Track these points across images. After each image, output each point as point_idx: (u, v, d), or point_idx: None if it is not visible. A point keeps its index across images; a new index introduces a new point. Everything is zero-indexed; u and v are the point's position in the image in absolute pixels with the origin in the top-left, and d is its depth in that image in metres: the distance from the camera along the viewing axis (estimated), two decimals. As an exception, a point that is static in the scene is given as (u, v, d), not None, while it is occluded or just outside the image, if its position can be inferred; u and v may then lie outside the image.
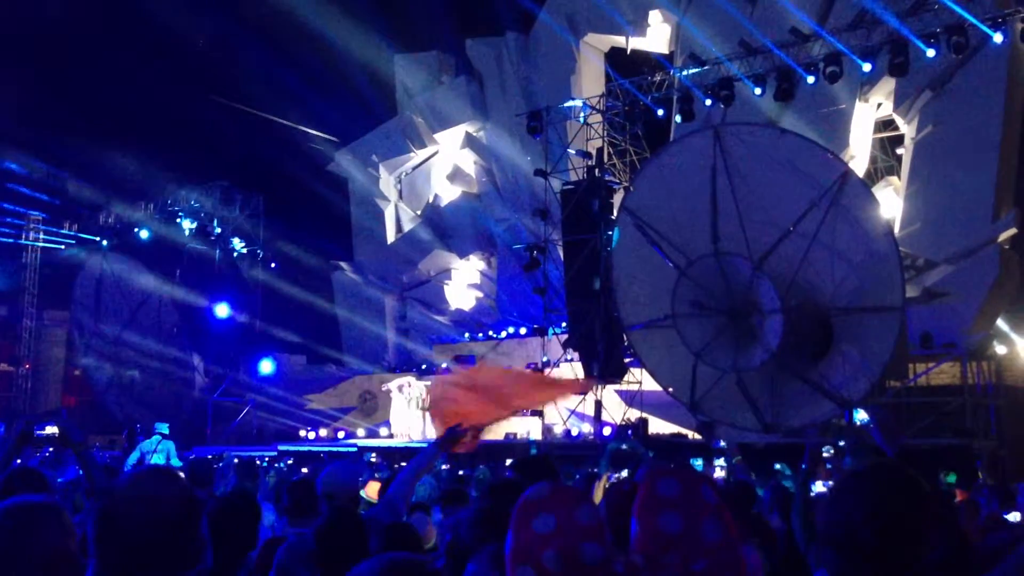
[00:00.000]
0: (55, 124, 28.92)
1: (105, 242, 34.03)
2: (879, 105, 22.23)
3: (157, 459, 11.92)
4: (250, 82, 29.89)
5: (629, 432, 18.80)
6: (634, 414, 19.73)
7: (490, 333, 27.83)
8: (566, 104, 24.04)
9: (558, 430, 21.20)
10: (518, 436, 21.07)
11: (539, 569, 1.60)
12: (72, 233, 34.31)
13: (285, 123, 31.40)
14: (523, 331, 26.37)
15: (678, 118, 22.32)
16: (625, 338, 17.75)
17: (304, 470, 13.16)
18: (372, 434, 25.32)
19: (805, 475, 4.74)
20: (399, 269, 31.16)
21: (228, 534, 3.55)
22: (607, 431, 19.43)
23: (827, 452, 14.43)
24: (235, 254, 33.43)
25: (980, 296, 18.85)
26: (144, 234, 33.27)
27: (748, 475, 11.42)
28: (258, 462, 16.25)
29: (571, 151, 23.34)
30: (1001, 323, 19.34)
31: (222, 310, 31.37)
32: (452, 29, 29.73)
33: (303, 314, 30.90)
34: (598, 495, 4.71)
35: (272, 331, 31.14)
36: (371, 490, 7.66)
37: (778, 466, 12.89)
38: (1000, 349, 18.79)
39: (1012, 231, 19.48)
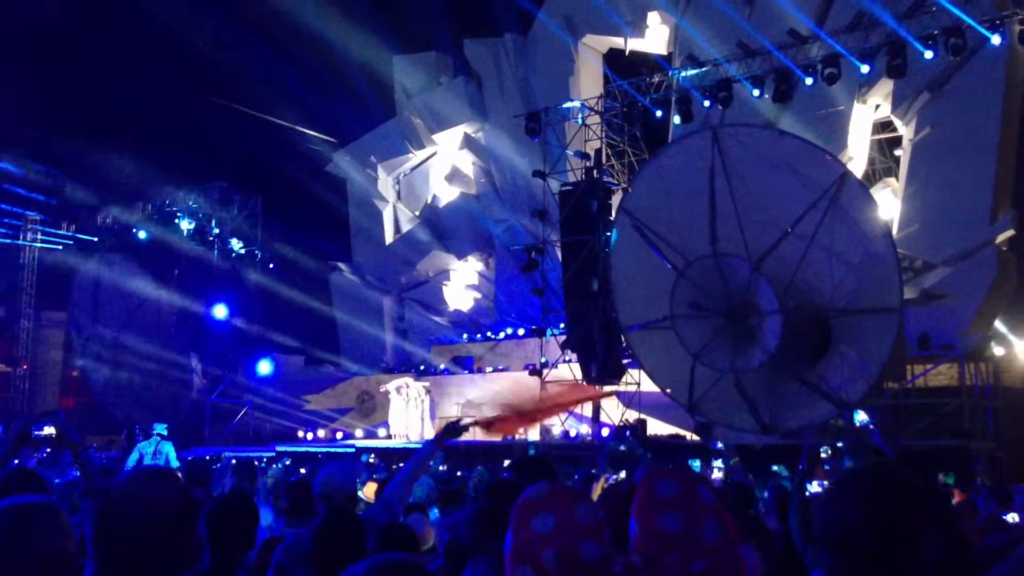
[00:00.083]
0: (53, 124, 28.90)
1: (103, 243, 34.00)
2: (877, 107, 22.25)
3: (157, 461, 11.90)
4: (249, 83, 29.91)
5: (627, 433, 18.81)
6: (632, 415, 19.73)
7: (488, 334, 27.83)
8: (564, 105, 24.04)
9: (556, 431, 21.20)
10: (516, 437, 21.07)
11: (538, 569, 1.60)
12: (70, 234, 34.29)
13: (283, 124, 31.42)
14: (521, 332, 26.37)
15: (676, 119, 22.35)
16: (623, 339, 17.75)
17: (302, 471, 13.15)
18: (370, 435, 25.33)
19: (802, 476, 4.74)
20: (397, 270, 31.14)
21: (226, 535, 3.55)
22: (605, 432, 19.43)
23: (825, 453, 14.46)
24: (233, 255, 33.42)
25: (978, 298, 18.86)
26: (142, 235, 33.27)
27: (746, 476, 11.41)
28: (256, 463, 16.24)
29: (569, 152, 23.33)
30: (999, 324, 19.35)
31: (220, 311, 31.35)
32: (450, 30, 29.78)
33: (301, 315, 30.89)
34: (596, 496, 4.70)
35: (270, 332, 31.13)
36: (369, 491, 7.67)
37: (775, 467, 12.91)
38: (998, 350, 18.81)
39: (1010, 232, 19.49)
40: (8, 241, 33.06)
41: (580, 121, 23.35)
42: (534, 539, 1.63)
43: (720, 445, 16.43)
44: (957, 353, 17.56)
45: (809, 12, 21.18)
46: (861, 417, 15.45)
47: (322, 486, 4.35)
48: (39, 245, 33.84)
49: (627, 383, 20.31)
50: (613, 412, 20.23)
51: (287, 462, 19.34)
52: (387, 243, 31.56)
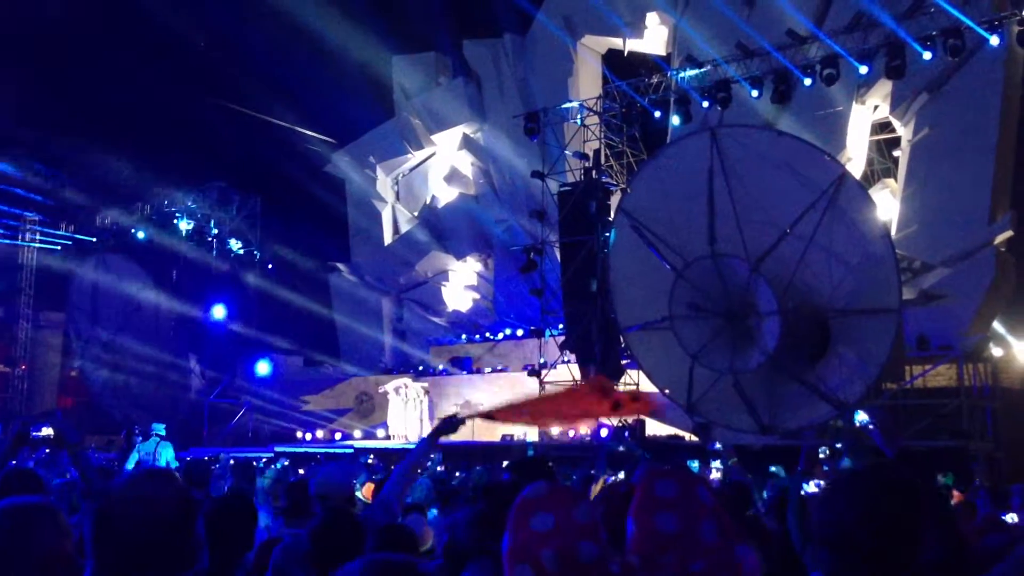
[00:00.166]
0: (51, 125, 28.88)
1: (101, 244, 33.98)
2: (876, 107, 22.27)
3: (158, 462, 11.89)
4: (247, 83, 29.88)
5: (626, 434, 18.80)
6: (631, 416, 19.72)
7: (487, 335, 27.83)
8: (563, 106, 24.04)
9: (555, 431, 21.19)
10: (515, 438, 21.07)
11: (537, 568, 1.60)
12: (68, 235, 34.27)
13: (282, 124, 31.39)
14: (520, 333, 26.38)
15: (675, 120, 22.35)
16: (622, 340, 17.76)
17: (301, 471, 13.15)
18: (369, 435, 25.32)
19: (800, 476, 4.74)
20: (396, 270, 31.14)
21: (224, 535, 3.55)
22: (604, 432, 19.43)
23: (823, 454, 14.46)
24: (232, 255, 33.40)
25: (976, 298, 18.88)
26: (140, 236, 33.24)
27: (744, 476, 11.41)
28: (255, 464, 16.23)
29: (568, 153, 23.33)
30: (997, 325, 19.38)
31: (218, 312, 31.34)
32: (449, 30, 29.77)
33: (299, 315, 30.88)
34: (594, 496, 4.70)
35: (268, 332, 31.12)
36: (368, 492, 7.66)
37: (773, 468, 12.91)
38: (996, 351, 18.83)
39: (1008, 233, 19.51)
40: (7, 242, 33.04)
41: (579, 122, 23.35)
42: (533, 538, 1.63)
43: (718, 446, 16.44)
44: (956, 354, 17.56)
45: (808, 13, 21.20)
46: (861, 417, 15.46)
47: (319, 487, 4.35)
48: (38, 246, 33.83)
49: (626, 384, 20.30)
50: (612, 413, 20.20)
51: (285, 463, 19.35)
52: (386, 244, 31.56)
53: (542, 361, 22.25)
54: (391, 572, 1.70)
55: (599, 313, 19.64)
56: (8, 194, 31.52)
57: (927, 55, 18.89)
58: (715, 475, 12.99)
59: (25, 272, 33.63)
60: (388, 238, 31.67)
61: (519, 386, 21.69)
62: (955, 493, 9.22)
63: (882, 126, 23.09)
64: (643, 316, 15.65)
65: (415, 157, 31.58)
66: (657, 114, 22.94)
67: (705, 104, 21.67)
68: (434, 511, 6.86)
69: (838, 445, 14.79)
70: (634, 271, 15.81)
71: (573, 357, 21.28)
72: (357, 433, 25.90)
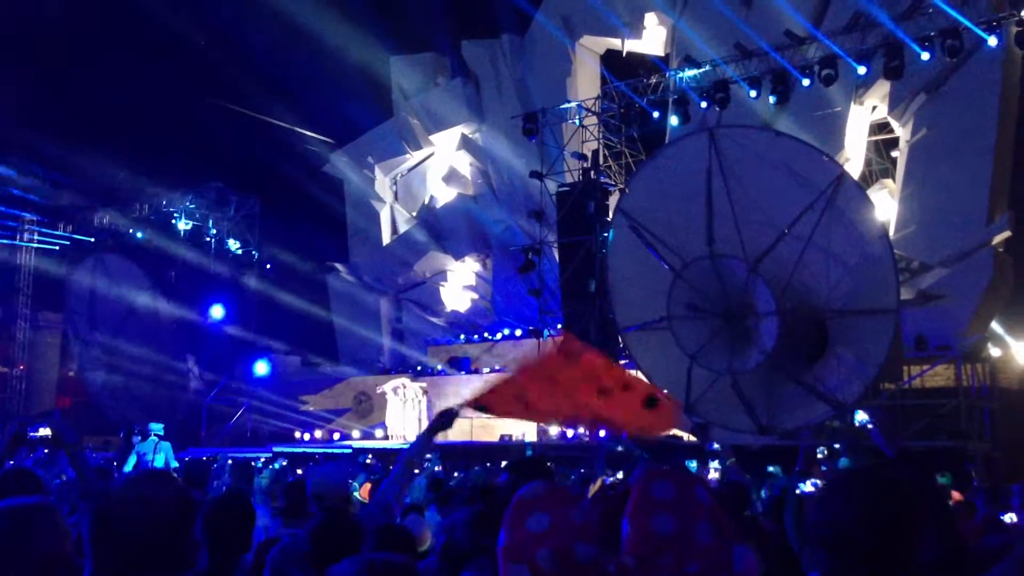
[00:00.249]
0: (49, 125, 28.84)
1: (100, 244, 33.93)
2: (874, 108, 22.28)
3: (157, 461, 11.87)
4: (246, 83, 29.85)
5: (624, 434, 18.78)
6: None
7: (485, 335, 27.81)
8: (562, 106, 24.04)
9: (553, 431, 21.19)
10: (513, 438, 21.07)
11: (533, 567, 1.60)
12: (66, 235, 34.21)
13: (281, 124, 31.36)
14: (518, 333, 26.36)
15: (674, 120, 22.35)
16: (620, 340, 17.76)
17: (299, 471, 13.14)
18: (367, 436, 25.29)
19: (797, 477, 4.74)
20: (394, 271, 31.11)
21: (223, 535, 3.55)
22: (602, 433, 19.40)
23: (821, 454, 14.47)
24: (230, 256, 33.37)
25: (975, 299, 18.89)
26: (138, 236, 33.20)
27: (742, 477, 11.42)
28: (253, 464, 16.22)
29: (567, 153, 23.34)
30: (995, 325, 19.39)
31: (217, 312, 31.31)
32: (448, 31, 29.74)
33: (298, 316, 30.84)
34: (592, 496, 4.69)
35: (266, 332, 31.09)
36: (366, 492, 7.66)
37: (771, 468, 12.91)
38: (994, 351, 18.84)
39: (1006, 234, 19.53)
40: (5, 242, 32.99)
41: (577, 122, 23.35)
42: (529, 538, 1.63)
43: (716, 446, 16.45)
44: (954, 354, 17.57)
45: (806, 13, 21.20)
46: (861, 417, 15.48)
47: (316, 487, 4.35)
48: (36, 246, 33.78)
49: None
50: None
51: (283, 463, 19.34)
52: (384, 244, 31.53)
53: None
54: (385, 572, 1.70)
55: (597, 313, 19.64)
56: (6, 194, 31.48)
57: (925, 56, 18.90)
58: (713, 475, 13.00)
59: (23, 272, 33.58)
60: (386, 238, 31.65)
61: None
62: (954, 493, 9.22)
63: (880, 127, 23.11)
64: (641, 316, 15.66)
65: (413, 157, 31.56)
66: (655, 114, 22.94)
67: (703, 104, 21.67)
68: (434, 511, 6.86)
69: (836, 445, 14.80)
70: (632, 271, 15.82)
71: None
72: (355, 433, 25.88)
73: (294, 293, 30.77)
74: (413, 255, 30.71)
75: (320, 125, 32.05)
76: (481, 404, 4.26)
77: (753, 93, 20.95)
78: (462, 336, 28.51)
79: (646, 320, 15.46)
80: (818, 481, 7.76)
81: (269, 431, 27.84)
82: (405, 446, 20.76)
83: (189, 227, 33.14)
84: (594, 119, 23.35)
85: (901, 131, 21.56)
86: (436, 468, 11.68)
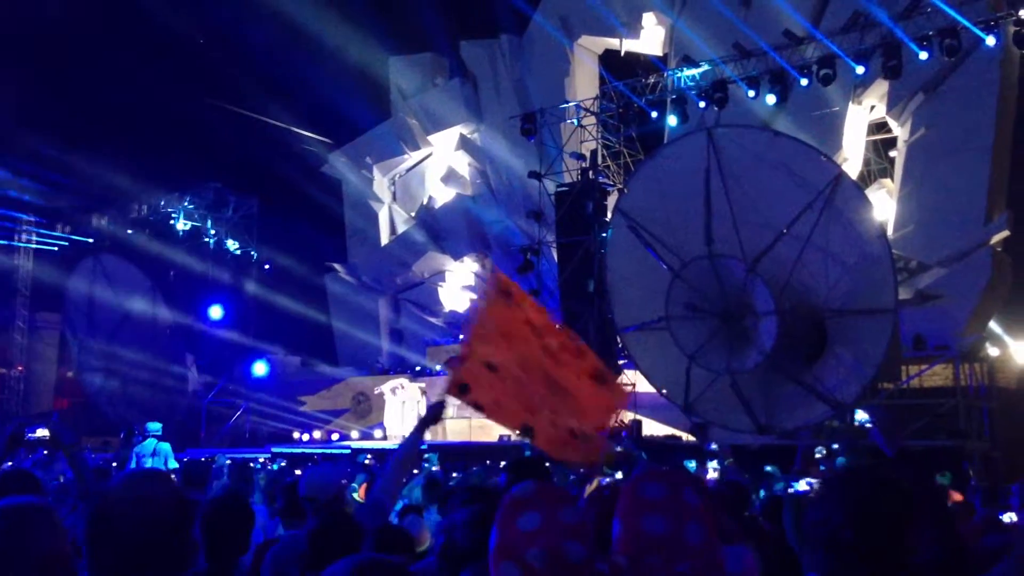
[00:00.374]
0: (46, 126, 28.82)
1: (98, 244, 33.92)
2: (872, 108, 22.29)
3: (156, 462, 11.85)
4: (244, 84, 29.84)
5: (623, 434, 18.79)
6: (628, 416, 19.72)
7: (484, 335, 27.76)
8: (560, 106, 24.04)
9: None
10: (512, 438, 21.05)
11: (523, 566, 1.60)
12: (64, 236, 34.20)
13: (279, 125, 31.35)
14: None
15: (672, 120, 22.35)
16: (619, 340, 17.77)
17: (297, 472, 13.13)
18: (366, 436, 25.29)
19: (795, 476, 4.74)
20: (393, 271, 31.10)
21: (221, 536, 3.54)
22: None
23: (819, 454, 14.46)
24: (228, 256, 33.36)
25: (973, 298, 18.90)
26: (137, 237, 33.20)
27: (741, 477, 11.42)
28: (252, 464, 16.22)
29: (565, 153, 23.34)
30: (994, 325, 19.40)
31: (215, 312, 31.30)
32: (446, 31, 29.72)
33: (296, 316, 30.84)
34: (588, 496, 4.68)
35: (265, 333, 31.08)
36: (364, 492, 7.65)
37: (769, 468, 12.89)
38: (993, 351, 18.86)
39: (1004, 233, 19.54)
40: (3, 243, 32.98)
41: (576, 122, 23.35)
42: (519, 536, 1.63)
43: (714, 446, 16.45)
44: (952, 354, 17.59)
45: (805, 13, 21.21)
46: (861, 416, 15.48)
47: (307, 488, 4.34)
48: (34, 246, 33.77)
49: (623, 384, 20.30)
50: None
51: (282, 463, 19.33)
52: (383, 244, 31.53)
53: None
54: (378, 573, 1.69)
55: (596, 313, 19.64)
56: (4, 196, 31.47)
57: (923, 55, 18.90)
58: (712, 475, 12.99)
59: (21, 273, 33.58)
60: (385, 239, 31.65)
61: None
62: (952, 493, 9.21)
63: (879, 126, 23.12)
64: (640, 316, 15.67)
65: (412, 158, 31.56)
66: (654, 114, 22.93)
67: (702, 104, 21.66)
68: (433, 512, 6.85)
69: (835, 445, 14.80)
70: (631, 271, 15.83)
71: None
72: (354, 434, 25.87)
73: (292, 294, 30.77)
74: (411, 255, 30.70)
75: (318, 125, 32.08)
76: (459, 383, 4.26)
77: (751, 93, 20.95)
78: (461, 336, 28.46)
79: (645, 320, 15.46)
80: (813, 480, 7.76)
81: (268, 432, 27.84)
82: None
83: (188, 228, 33.15)
84: (592, 119, 23.35)
85: (899, 131, 21.58)
86: (434, 468, 11.66)
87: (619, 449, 15.83)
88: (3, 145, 28.94)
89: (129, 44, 29.15)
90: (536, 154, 24.16)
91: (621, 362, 19.94)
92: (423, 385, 24.93)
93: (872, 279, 13.33)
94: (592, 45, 27.06)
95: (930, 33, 18.81)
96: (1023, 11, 18.20)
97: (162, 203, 33.08)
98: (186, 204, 32.88)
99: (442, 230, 30.50)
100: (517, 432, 4.55)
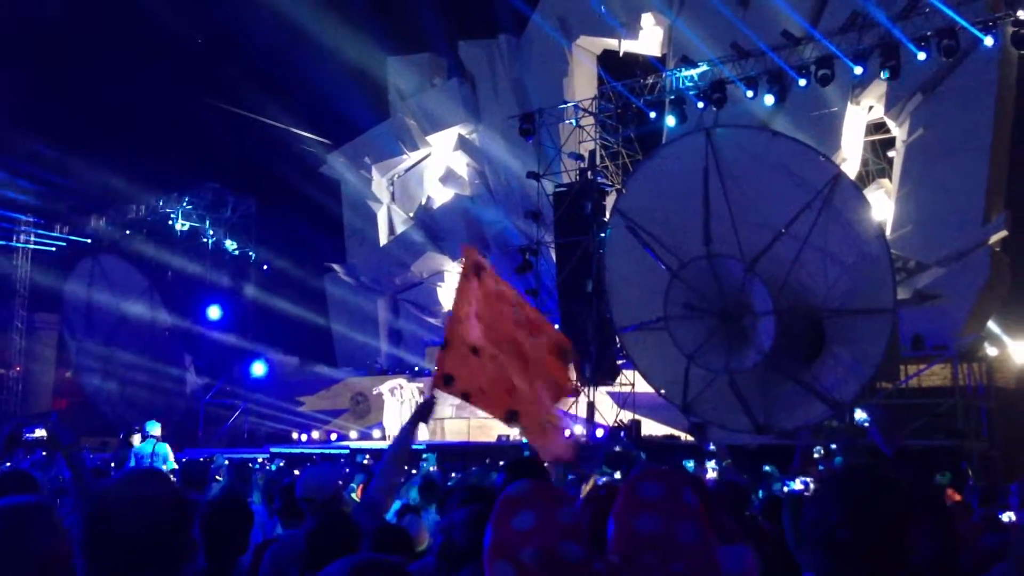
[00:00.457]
0: (45, 126, 28.80)
1: (96, 245, 33.91)
2: (871, 108, 22.30)
3: (155, 462, 11.82)
4: (243, 84, 29.83)
5: (622, 434, 18.81)
6: (627, 416, 19.74)
7: (483, 335, 27.76)
8: (559, 107, 24.04)
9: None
10: (510, 438, 21.06)
11: (518, 565, 1.59)
12: (63, 236, 34.19)
13: (277, 125, 31.34)
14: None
15: (670, 121, 22.34)
16: (618, 340, 17.77)
17: (296, 472, 13.12)
18: (365, 436, 25.28)
19: (792, 475, 4.74)
20: (391, 271, 31.09)
21: (220, 536, 3.54)
22: (600, 433, 19.43)
23: (818, 453, 14.48)
24: (227, 257, 33.35)
25: (971, 298, 18.91)
26: (135, 237, 33.17)
27: (739, 477, 11.42)
28: (251, 465, 16.20)
29: (563, 153, 23.34)
30: (992, 325, 19.42)
31: (214, 312, 31.29)
32: (444, 31, 29.74)
33: (295, 316, 30.82)
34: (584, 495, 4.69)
35: (263, 333, 31.07)
36: (363, 492, 7.65)
37: (767, 468, 12.92)
38: (991, 351, 18.87)
39: (1003, 233, 19.55)
40: (1, 243, 32.96)
41: (574, 122, 23.34)
42: (514, 536, 1.63)
43: (713, 447, 16.45)
44: (950, 353, 17.61)
45: (803, 13, 21.22)
46: (860, 415, 15.49)
47: (303, 489, 4.34)
48: (32, 247, 33.76)
49: (622, 384, 20.32)
50: (608, 413, 20.25)
51: (280, 463, 19.33)
52: (381, 244, 31.51)
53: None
54: (375, 573, 1.69)
55: (595, 313, 19.64)
56: (2, 196, 31.45)
57: (922, 56, 18.91)
58: (711, 474, 13.00)
59: (20, 274, 33.56)
60: (383, 239, 31.64)
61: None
62: (951, 492, 9.22)
63: (877, 126, 23.13)
64: (639, 316, 15.67)
65: (410, 158, 31.55)
66: (652, 115, 22.93)
67: (700, 105, 21.66)
68: (430, 512, 6.85)
69: (833, 445, 14.81)
70: (630, 271, 15.83)
71: (569, 357, 21.23)
72: (353, 434, 25.86)
73: (291, 294, 30.75)
74: (410, 256, 30.69)
75: (317, 126, 32.09)
76: (444, 375, 4.37)
77: (750, 93, 20.95)
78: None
79: (643, 320, 15.47)
80: (808, 479, 7.76)
81: (266, 432, 27.83)
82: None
83: (186, 228, 33.14)
84: (591, 119, 23.35)
85: (897, 131, 21.59)
86: (431, 468, 11.66)
87: (618, 449, 15.85)
88: (1, 145, 28.93)
89: (128, 44, 29.16)
90: (534, 154, 24.15)
91: (620, 362, 19.94)
92: (421, 385, 24.92)
93: (870, 279, 13.34)
94: (590, 45, 27.06)
95: (928, 33, 18.82)
96: (1021, 11, 18.21)
97: (160, 204, 33.06)
98: (184, 205, 32.86)
99: (441, 230, 30.49)
100: (503, 418, 4.70)
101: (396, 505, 6.60)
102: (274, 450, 23.05)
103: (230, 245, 33.30)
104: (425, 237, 30.58)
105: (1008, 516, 7.21)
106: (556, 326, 21.51)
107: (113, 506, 1.93)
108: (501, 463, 13.22)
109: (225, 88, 30.09)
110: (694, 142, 14.97)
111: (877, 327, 13.21)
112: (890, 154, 22.76)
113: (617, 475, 11.12)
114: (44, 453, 14.64)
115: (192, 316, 31.61)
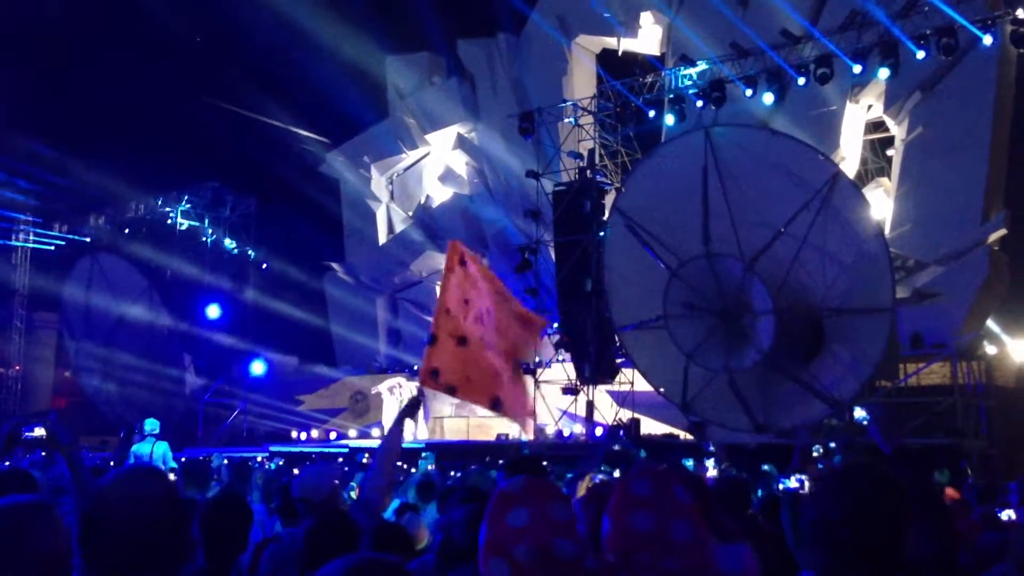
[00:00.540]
0: (44, 125, 28.79)
1: (95, 244, 33.89)
2: (870, 107, 22.30)
3: (154, 461, 11.81)
4: (242, 83, 29.82)
5: (621, 433, 18.82)
6: (626, 415, 19.74)
7: (482, 334, 27.72)
8: (558, 105, 24.04)
9: (550, 431, 21.21)
10: (510, 437, 21.06)
11: (511, 562, 1.59)
12: (61, 235, 34.17)
13: (276, 124, 31.33)
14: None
15: (669, 119, 22.35)
16: (617, 339, 17.77)
17: (295, 471, 13.12)
18: (364, 435, 25.27)
19: (792, 474, 4.75)
20: (391, 270, 31.09)
21: (220, 535, 3.54)
22: (599, 432, 19.44)
23: (817, 452, 14.48)
24: (226, 256, 33.34)
25: (970, 297, 18.92)
26: (134, 236, 33.15)
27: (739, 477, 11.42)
28: (250, 464, 16.18)
29: (563, 152, 23.34)
30: (991, 323, 19.42)
31: (213, 311, 31.27)
32: (443, 30, 29.72)
33: (294, 315, 30.82)
34: (581, 493, 4.71)
35: (263, 332, 31.06)
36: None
37: (766, 467, 12.91)
38: (990, 349, 18.88)
39: (1002, 232, 19.56)
40: (1, 241, 32.94)
41: (573, 121, 23.35)
42: (508, 532, 1.63)
43: (711, 448, 16.46)
44: (950, 352, 17.62)
45: (802, 12, 21.21)
46: (860, 414, 15.50)
47: (300, 490, 4.34)
48: (31, 245, 33.74)
49: (621, 383, 20.32)
50: (607, 412, 20.26)
51: (280, 462, 19.32)
52: (380, 243, 31.51)
53: (537, 360, 22.22)
54: (373, 572, 1.69)
55: (594, 312, 19.63)
56: (1, 195, 31.43)
57: (921, 54, 18.92)
58: (712, 472, 13.02)
59: (19, 272, 33.54)
60: (383, 238, 31.63)
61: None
62: (950, 491, 9.23)
63: (876, 125, 23.13)
64: (638, 315, 15.67)
65: (409, 157, 31.54)
66: (651, 113, 22.94)
67: (699, 103, 21.68)
68: (433, 509, 6.85)
69: (832, 444, 14.82)
70: (629, 270, 15.83)
71: (568, 356, 21.27)
72: (352, 433, 25.86)
73: (290, 293, 30.75)
74: (409, 255, 30.69)
75: (316, 125, 32.07)
76: (431, 370, 4.53)
77: (749, 92, 20.96)
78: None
79: (643, 319, 15.46)
80: (803, 477, 7.75)
81: (265, 431, 27.83)
82: (402, 445, 20.77)
83: (185, 227, 33.12)
84: (590, 118, 23.35)
85: (897, 130, 21.59)
86: (429, 467, 11.65)
87: (617, 447, 15.86)
88: (0, 145, 28.92)
89: (126, 43, 29.15)
90: (534, 153, 24.14)
91: (619, 361, 19.95)
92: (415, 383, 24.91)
93: (869, 278, 13.34)
94: (590, 44, 27.05)
95: (927, 32, 18.83)
96: (1020, 10, 18.23)
97: (159, 203, 33.04)
98: (184, 203, 32.85)
99: (440, 229, 30.47)
100: (488, 406, 4.91)
101: (395, 503, 6.61)
102: (273, 449, 23.05)
103: (229, 244, 33.29)
104: (424, 236, 30.57)
105: (1007, 514, 7.21)
106: (555, 324, 21.69)
107: (109, 504, 1.92)
108: (500, 462, 13.22)
109: (224, 87, 30.10)
110: (693, 141, 14.96)
111: (876, 326, 13.21)
112: (889, 153, 22.76)
113: (616, 473, 11.13)
114: (44, 453, 14.64)
115: (191, 315, 31.59)
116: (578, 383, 20.49)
